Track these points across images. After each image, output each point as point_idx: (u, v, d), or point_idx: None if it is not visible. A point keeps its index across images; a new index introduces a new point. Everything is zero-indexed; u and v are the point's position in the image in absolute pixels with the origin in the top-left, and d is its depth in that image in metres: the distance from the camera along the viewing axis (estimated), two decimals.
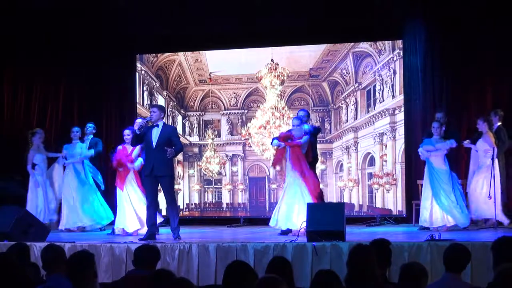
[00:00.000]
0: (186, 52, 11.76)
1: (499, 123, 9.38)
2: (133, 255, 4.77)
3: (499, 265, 3.86)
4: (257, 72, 11.46)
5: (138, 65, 11.77)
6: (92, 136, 10.09)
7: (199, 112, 11.79)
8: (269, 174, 11.47)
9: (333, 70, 11.29)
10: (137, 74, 11.72)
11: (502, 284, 3.57)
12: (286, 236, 7.86)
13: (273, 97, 11.41)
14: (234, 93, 11.73)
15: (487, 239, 6.46)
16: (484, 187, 8.85)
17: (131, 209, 8.82)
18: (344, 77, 11.28)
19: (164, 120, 8.36)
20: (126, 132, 9.05)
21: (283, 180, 8.78)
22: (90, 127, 10.13)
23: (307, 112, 9.11)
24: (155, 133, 8.04)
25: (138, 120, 9.61)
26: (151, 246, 4.90)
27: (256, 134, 11.42)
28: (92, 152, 9.79)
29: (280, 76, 11.36)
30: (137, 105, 11.67)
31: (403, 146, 10.61)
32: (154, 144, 7.99)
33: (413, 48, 10.50)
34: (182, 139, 11.23)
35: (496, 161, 8.93)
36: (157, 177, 8.03)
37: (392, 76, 10.90)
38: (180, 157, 11.27)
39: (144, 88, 11.84)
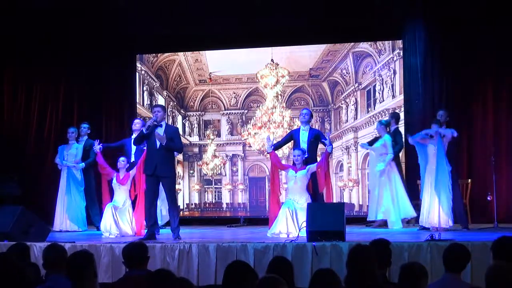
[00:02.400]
0: (186, 52, 11.76)
1: (397, 126, 9.75)
2: (122, 256, 4.71)
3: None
4: (257, 72, 11.47)
5: (138, 65, 11.77)
6: (87, 137, 10.05)
7: (199, 112, 11.79)
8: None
9: (333, 70, 11.29)
10: (137, 74, 11.72)
11: (492, 283, 3.59)
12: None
13: (273, 97, 11.41)
14: (234, 93, 11.73)
15: (487, 239, 6.45)
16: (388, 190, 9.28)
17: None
18: (344, 77, 11.28)
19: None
20: (121, 159, 9.09)
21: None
22: (84, 127, 10.09)
23: (310, 112, 9.09)
24: (159, 133, 8.02)
25: (137, 121, 9.63)
26: (136, 243, 4.84)
27: (256, 134, 11.43)
28: (82, 165, 9.73)
29: (280, 78, 11.36)
30: (137, 105, 11.68)
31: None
32: (158, 144, 7.98)
33: (413, 48, 10.49)
34: (182, 139, 11.23)
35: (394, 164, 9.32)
36: (159, 177, 8.02)
37: (392, 76, 10.91)
38: (180, 157, 11.27)
39: (144, 88, 11.85)
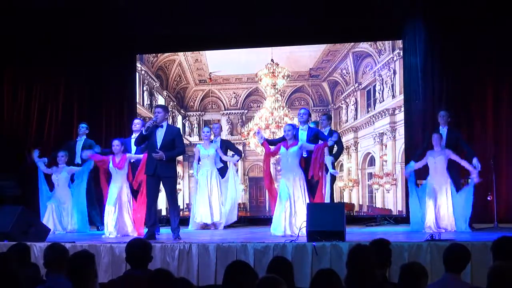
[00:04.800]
0: (186, 52, 11.76)
1: (330, 127, 9.64)
2: (125, 253, 4.70)
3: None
4: (257, 72, 11.47)
5: (138, 65, 11.77)
6: (85, 136, 10.04)
7: (199, 112, 11.79)
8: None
9: (333, 70, 11.30)
10: (137, 74, 11.72)
11: (494, 282, 3.59)
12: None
13: (273, 97, 11.41)
14: (234, 93, 11.73)
15: (487, 239, 6.45)
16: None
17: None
18: (344, 77, 11.28)
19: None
20: (115, 142, 8.90)
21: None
22: (83, 127, 10.07)
23: (308, 112, 9.09)
24: (160, 134, 8.01)
25: (137, 121, 9.62)
26: (141, 241, 4.82)
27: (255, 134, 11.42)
28: (86, 153, 9.71)
29: (280, 79, 11.36)
30: (137, 105, 11.67)
31: (403, 146, 10.61)
32: (159, 145, 7.97)
33: (413, 48, 10.50)
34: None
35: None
36: (160, 177, 8.02)
37: (392, 76, 10.91)
38: (180, 157, 11.25)
39: (144, 88, 11.84)
